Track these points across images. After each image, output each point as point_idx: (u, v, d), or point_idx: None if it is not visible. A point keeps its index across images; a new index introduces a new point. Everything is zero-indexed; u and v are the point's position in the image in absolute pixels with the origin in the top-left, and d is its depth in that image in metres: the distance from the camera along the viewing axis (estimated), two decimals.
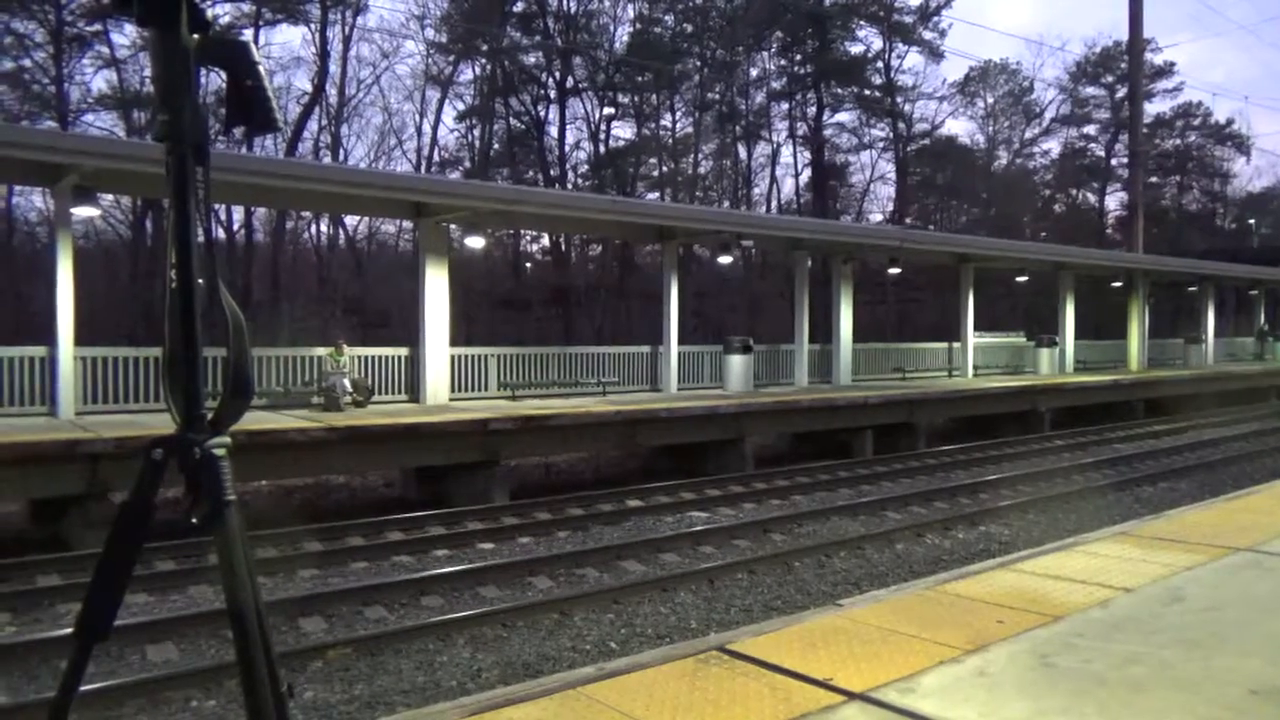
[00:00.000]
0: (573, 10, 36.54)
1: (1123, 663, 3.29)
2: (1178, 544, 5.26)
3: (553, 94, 36.98)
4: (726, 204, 38.94)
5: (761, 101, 41.28)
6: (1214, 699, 2.96)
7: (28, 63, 27.14)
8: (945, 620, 3.83)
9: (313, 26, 31.96)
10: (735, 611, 7.20)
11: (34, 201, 27.47)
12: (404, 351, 14.34)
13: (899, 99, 42.73)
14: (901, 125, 43.50)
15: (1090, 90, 47.94)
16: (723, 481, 12.53)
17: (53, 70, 27.18)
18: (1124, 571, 4.63)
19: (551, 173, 36.85)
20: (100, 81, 29.15)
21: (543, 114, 37.43)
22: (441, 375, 14.09)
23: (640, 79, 37.45)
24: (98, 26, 27.14)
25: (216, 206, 20.87)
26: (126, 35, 26.74)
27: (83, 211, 11.84)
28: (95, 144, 13.03)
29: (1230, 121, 49.54)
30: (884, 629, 3.73)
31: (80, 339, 11.45)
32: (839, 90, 41.67)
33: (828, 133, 42.24)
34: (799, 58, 41.31)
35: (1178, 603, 4.07)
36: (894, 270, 21.51)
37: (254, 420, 10.43)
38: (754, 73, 40.89)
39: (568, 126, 37.33)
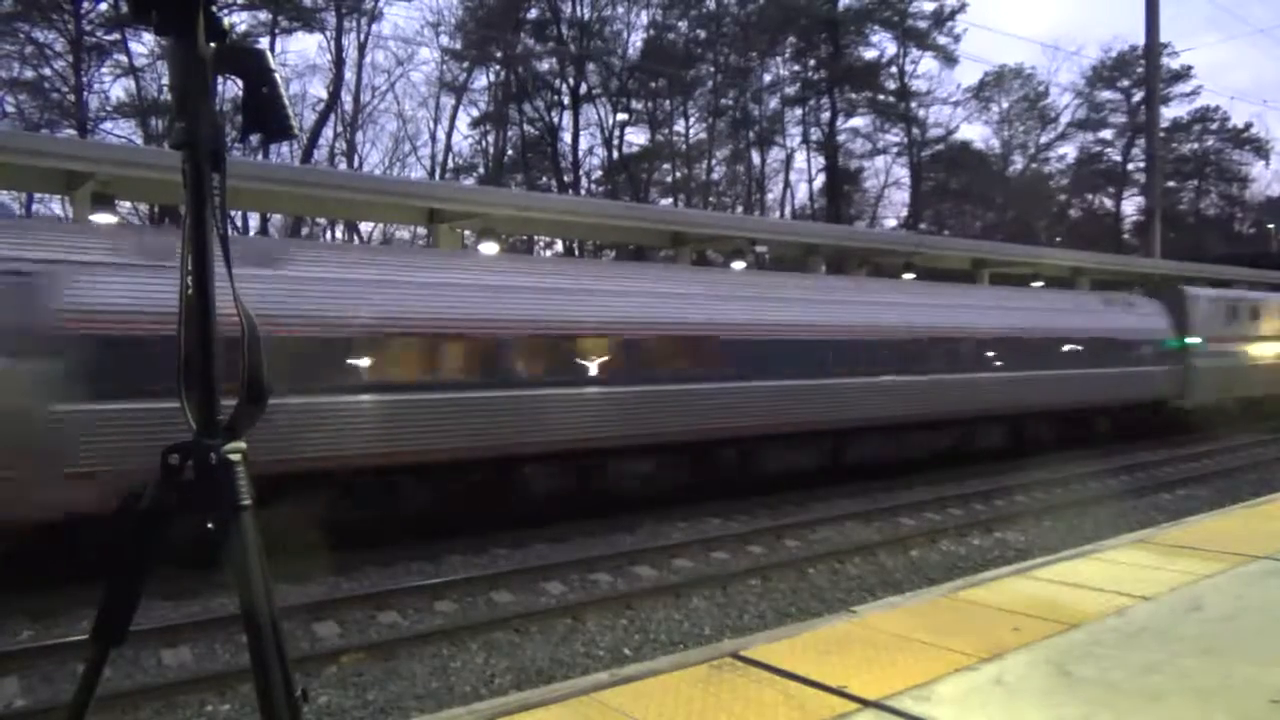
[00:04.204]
0: (586, 17, 36.69)
1: (1141, 672, 3.26)
2: (1197, 552, 5.21)
3: (566, 100, 37.14)
4: (740, 209, 38.92)
5: (775, 107, 41.33)
6: (1233, 709, 2.92)
7: (47, 71, 27.48)
8: (961, 628, 3.80)
9: (328, 34, 32.28)
10: (749, 618, 7.18)
11: (53, 208, 27.76)
12: None
13: (913, 104, 42.68)
14: (916, 130, 43.42)
15: (1106, 95, 47.73)
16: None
17: (72, 79, 27.49)
18: (1142, 579, 4.59)
19: (565, 178, 36.97)
20: (119, 90, 29.54)
21: (556, 120, 37.63)
22: None
23: (654, 85, 37.52)
24: (116, 36, 27.44)
25: (232, 213, 20.99)
26: (145, 44, 27.03)
27: (101, 218, 11.93)
28: (113, 151, 13.14)
29: (1249, 125, 49.29)
30: (899, 636, 3.71)
31: None
32: (853, 95, 41.60)
33: (841, 138, 42.23)
34: (813, 63, 41.27)
35: (1197, 611, 4.03)
36: (908, 276, 21.32)
37: None
38: (767, 78, 40.96)
39: (581, 132, 37.52)
